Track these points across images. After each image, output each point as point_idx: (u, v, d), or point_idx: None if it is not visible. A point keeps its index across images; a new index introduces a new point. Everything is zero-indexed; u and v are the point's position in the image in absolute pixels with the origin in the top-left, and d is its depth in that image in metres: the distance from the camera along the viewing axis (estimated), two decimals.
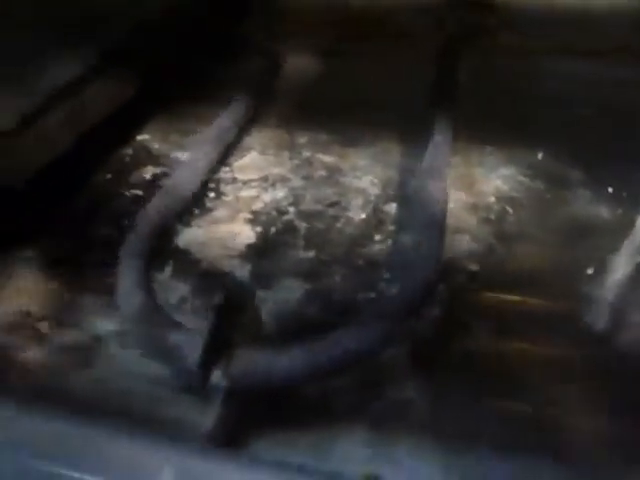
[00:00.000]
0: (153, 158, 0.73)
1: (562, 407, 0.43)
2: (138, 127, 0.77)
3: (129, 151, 0.75)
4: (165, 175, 0.69)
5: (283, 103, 0.83)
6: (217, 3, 0.94)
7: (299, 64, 0.91)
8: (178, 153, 0.73)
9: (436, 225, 0.48)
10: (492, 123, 0.74)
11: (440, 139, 0.60)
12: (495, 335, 0.48)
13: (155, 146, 0.75)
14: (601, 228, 0.60)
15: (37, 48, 0.65)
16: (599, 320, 0.50)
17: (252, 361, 0.35)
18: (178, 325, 0.39)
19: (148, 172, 0.70)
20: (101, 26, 0.72)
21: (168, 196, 0.54)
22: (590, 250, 0.57)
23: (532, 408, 0.43)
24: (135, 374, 0.45)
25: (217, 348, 0.35)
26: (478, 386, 0.44)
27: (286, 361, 0.35)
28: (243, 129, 0.72)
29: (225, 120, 0.67)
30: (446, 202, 0.52)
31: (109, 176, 0.70)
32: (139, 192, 0.67)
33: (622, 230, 0.58)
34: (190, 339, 0.35)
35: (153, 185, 0.68)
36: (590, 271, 0.54)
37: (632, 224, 0.59)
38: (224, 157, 0.68)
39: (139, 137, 0.77)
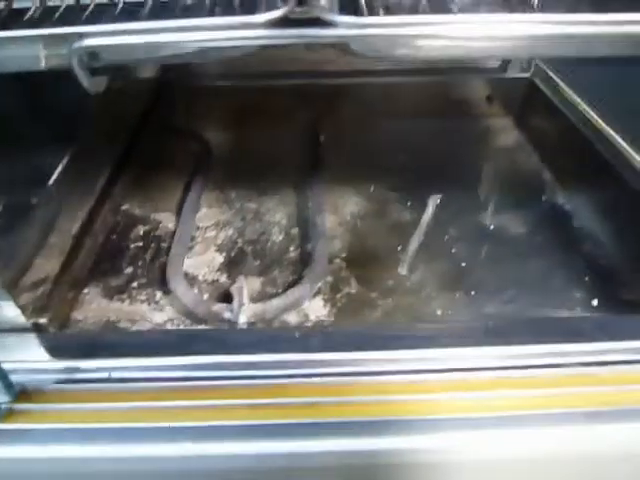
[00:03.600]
0: (140, 220, 1.14)
1: None
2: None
3: (119, 218, 1.15)
4: (153, 230, 1.11)
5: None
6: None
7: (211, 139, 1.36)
8: (155, 215, 1.15)
9: (324, 239, 0.98)
10: (345, 168, 1.25)
11: (317, 191, 1.10)
12: (357, 285, 0.98)
13: (136, 211, 1.16)
14: (405, 224, 1.13)
15: None
16: (405, 269, 1.03)
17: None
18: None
19: (140, 230, 1.11)
20: None
21: (181, 244, 0.97)
22: (400, 236, 1.09)
23: None
24: None
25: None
26: None
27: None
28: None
29: (194, 193, 1.11)
30: (326, 226, 1.03)
31: (114, 237, 1.09)
32: (140, 244, 1.08)
33: (414, 225, 1.11)
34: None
35: (148, 238, 1.09)
36: (399, 247, 1.07)
37: (418, 221, 1.13)
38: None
39: (122, 207, 1.18)
